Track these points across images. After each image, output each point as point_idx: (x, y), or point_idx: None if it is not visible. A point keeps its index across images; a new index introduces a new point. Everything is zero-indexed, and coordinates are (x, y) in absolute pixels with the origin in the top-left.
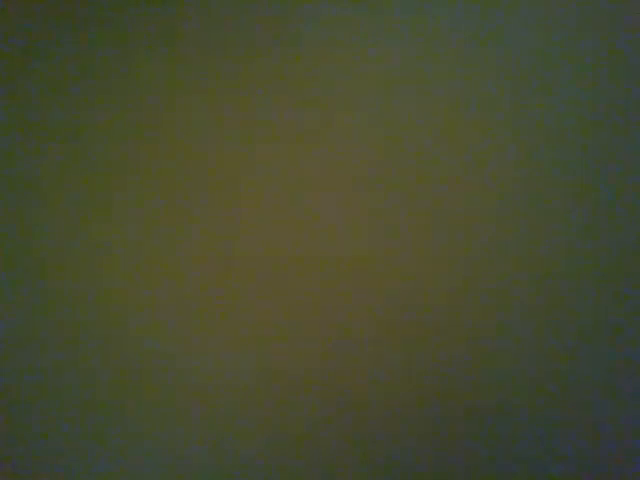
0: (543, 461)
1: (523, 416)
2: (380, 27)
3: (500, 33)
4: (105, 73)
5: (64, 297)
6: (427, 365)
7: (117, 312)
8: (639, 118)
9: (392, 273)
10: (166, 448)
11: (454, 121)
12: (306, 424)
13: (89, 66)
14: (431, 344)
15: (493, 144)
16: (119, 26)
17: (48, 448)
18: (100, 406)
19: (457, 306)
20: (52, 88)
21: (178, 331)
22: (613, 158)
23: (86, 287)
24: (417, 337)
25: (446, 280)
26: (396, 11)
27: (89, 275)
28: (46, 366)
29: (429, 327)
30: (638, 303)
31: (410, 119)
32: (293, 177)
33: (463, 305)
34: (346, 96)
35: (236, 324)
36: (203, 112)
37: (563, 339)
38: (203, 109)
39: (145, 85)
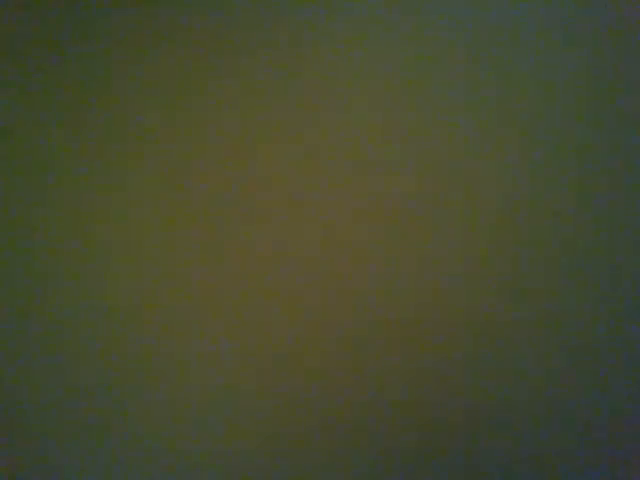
0: (544, 460)
1: (524, 415)
2: (381, 26)
3: (500, 32)
4: (106, 72)
5: (64, 297)
6: (427, 365)
7: (117, 312)
8: (639, 117)
9: (393, 273)
10: (166, 448)
11: (454, 120)
12: (307, 424)
13: (89, 66)
14: (431, 344)
15: (493, 143)
16: (123, 21)
17: (48, 448)
18: (100, 406)
19: (457, 306)
20: (52, 87)
21: (179, 331)
22: (613, 158)
23: (86, 287)
24: (417, 337)
25: (446, 279)
26: (397, 9)
27: (89, 275)
28: (46, 366)
29: (429, 327)
30: (638, 303)
31: (410, 120)
32: (293, 175)
33: (463, 305)
34: (347, 95)
35: (237, 324)
36: (207, 111)
37: (563, 339)
38: (207, 108)
39: (147, 83)
